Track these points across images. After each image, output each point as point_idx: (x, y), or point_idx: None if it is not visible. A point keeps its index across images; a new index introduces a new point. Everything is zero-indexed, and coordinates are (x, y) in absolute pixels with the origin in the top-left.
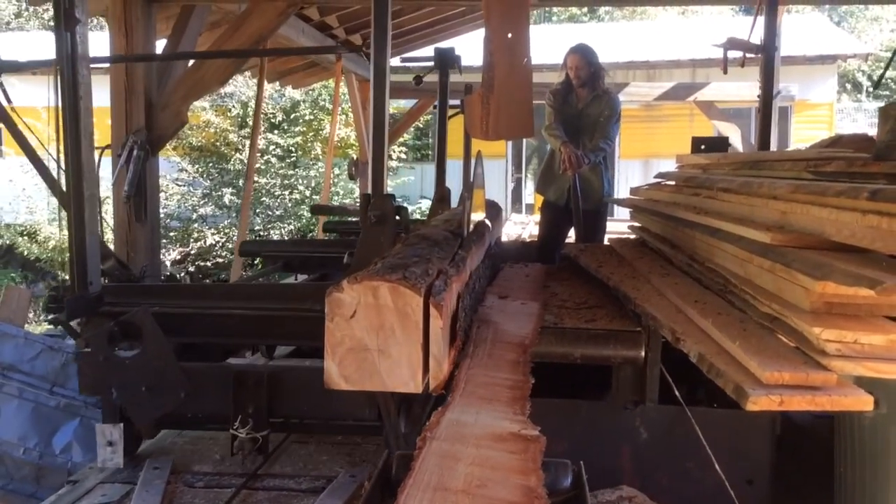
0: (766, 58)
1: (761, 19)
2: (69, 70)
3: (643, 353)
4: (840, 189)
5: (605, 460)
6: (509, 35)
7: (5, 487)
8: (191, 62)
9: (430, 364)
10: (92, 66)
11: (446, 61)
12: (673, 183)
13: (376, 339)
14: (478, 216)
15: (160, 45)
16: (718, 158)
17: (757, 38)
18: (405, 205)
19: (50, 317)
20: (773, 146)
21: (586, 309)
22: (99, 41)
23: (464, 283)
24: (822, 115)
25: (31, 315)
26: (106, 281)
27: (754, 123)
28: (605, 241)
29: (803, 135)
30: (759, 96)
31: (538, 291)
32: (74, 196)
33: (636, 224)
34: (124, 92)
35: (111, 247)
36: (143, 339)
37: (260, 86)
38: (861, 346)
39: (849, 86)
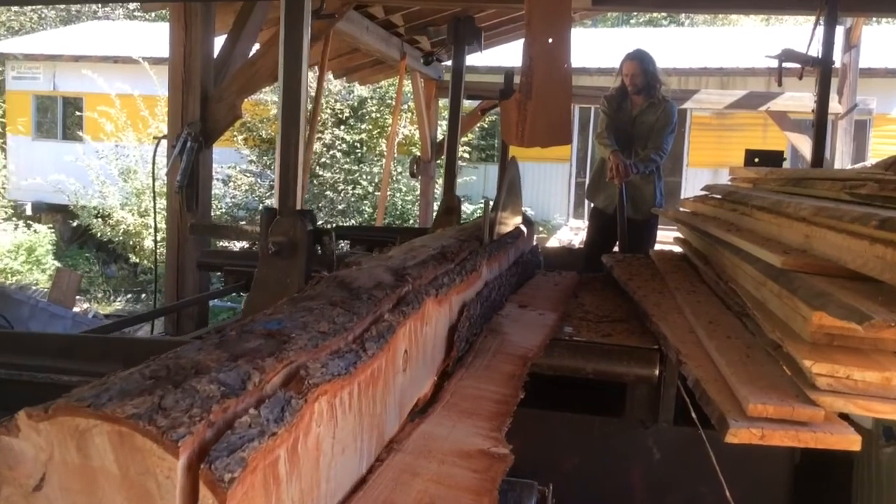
0: (822, 71)
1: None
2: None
3: (657, 372)
4: (855, 215)
5: (617, 478)
6: (550, 40)
7: None
8: (248, 57)
9: None
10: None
11: (462, 35)
12: (719, 196)
13: None
14: (511, 223)
15: (220, 42)
16: (766, 173)
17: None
18: (322, 225)
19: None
20: (847, 162)
21: (608, 323)
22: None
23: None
24: None
25: (101, 296)
26: None
27: (830, 136)
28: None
29: (882, 150)
30: (813, 111)
31: (562, 302)
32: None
33: (680, 236)
34: (182, 85)
35: (162, 236)
36: None
37: (320, 82)
38: (854, 382)
39: None
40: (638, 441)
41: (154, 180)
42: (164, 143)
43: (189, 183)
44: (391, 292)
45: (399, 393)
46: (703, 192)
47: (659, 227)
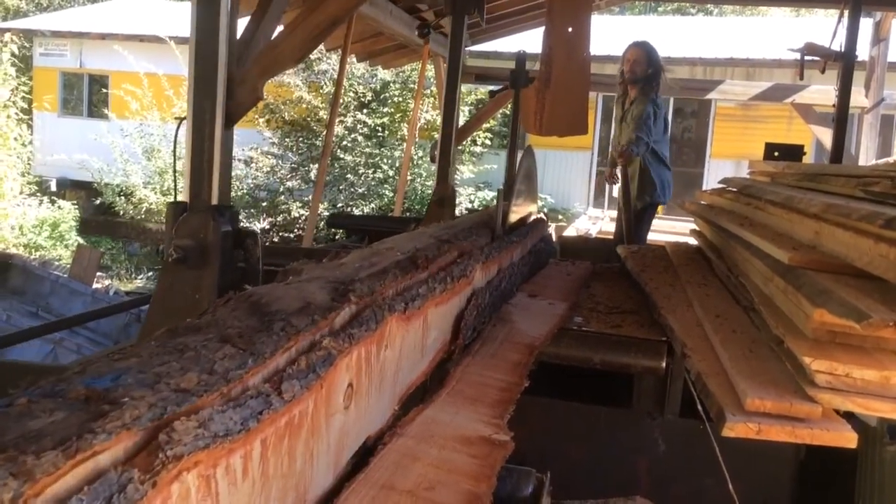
0: (845, 66)
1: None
2: None
3: (664, 364)
4: (863, 213)
5: (622, 469)
6: (569, 30)
7: None
8: (272, 38)
9: None
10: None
11: (462, 3)
12: (735, 190)
13: None
14: (526, 211)
15: (243, 23)
16: (784, 167)
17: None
18: (253, 228)
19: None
20: (872, 157)
21: (618, 314)
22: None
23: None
24: None
25: (123, 272)
26: None
27: (856, 130)
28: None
29: None
30: (834, 105)
31: (573, 291)
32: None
33: (696, 229)
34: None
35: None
36: None
37: (342, 66)
38: (853, 380)
39: None
40: (644, 432)
41: (175, 160)
42: (185, 124)
43: None
44: (321, 318)
45: (336, 436)
46: (721, 185)
47: (675, 217)
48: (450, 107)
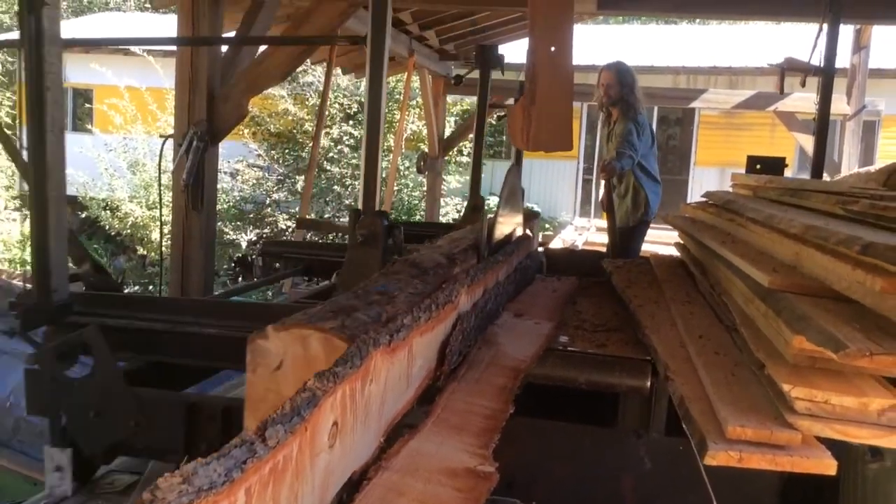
0: (824, 80)
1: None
2: (34, 56)
3: (648, 384)
4: (841, 237)
5: (608, 487)
6: (552, 48)
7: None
8: (257, 54)
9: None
10: (159, 49)
11: (488, 60)
12: (718, 204)
13: None
14: (511, 229)
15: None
16: (766, 182)
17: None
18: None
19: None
20: (855, 164)
21: (603, 332)
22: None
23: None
24: None
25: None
26: (84, 288)
27: (838, 137)
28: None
29: (891, 152)
30: (815, 119)
31: (559, 309)
32: (36, 195)
33: (680, 242)
34: (188, 83)
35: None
36: (94, 359)
37: (327, 78)
38: (832, 406)
39: None
40: (630, 451)
41: (160, 176)
42: (171, 140)
43: (195, 182)
44: (447, 268)
45: (321, 476)
46: (704, 199)
47: (662, 227)
48: (479, 141)
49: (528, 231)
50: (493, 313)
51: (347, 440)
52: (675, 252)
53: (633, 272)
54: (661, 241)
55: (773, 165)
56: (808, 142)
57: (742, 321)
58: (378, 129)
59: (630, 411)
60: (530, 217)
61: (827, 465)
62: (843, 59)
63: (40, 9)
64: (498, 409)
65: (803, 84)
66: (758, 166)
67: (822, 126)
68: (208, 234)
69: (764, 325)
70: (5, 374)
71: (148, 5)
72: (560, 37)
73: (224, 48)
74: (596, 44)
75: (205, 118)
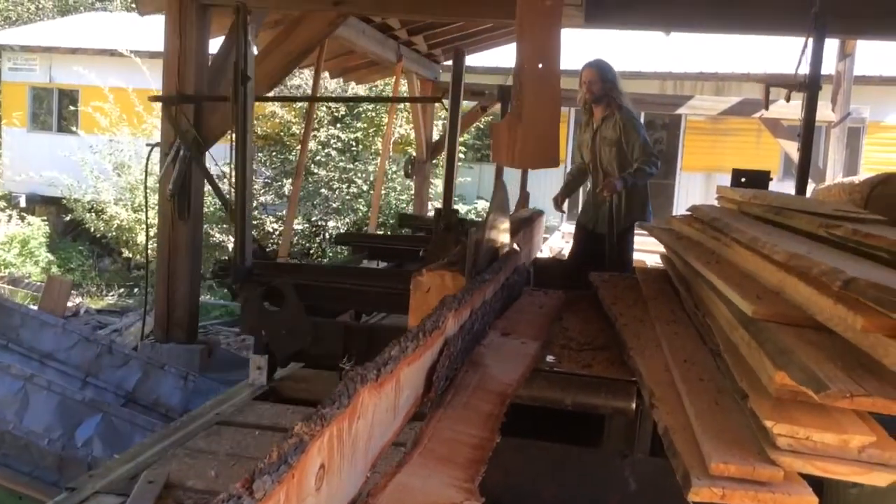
0: (809, 94)
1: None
2: (241, 114)
3: (633, 406)
4: (824, 269)
5: None
6: (540, 65)
7: (31, 474)
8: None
9: None
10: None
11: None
12: (703, 221)
13: None
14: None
15: (214, 45)
16: (750, 197)
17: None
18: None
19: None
20: (840, 170)
21: (589, 350)
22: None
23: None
24: None
25: (94, 290)
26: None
27: (823, 144)
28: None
29: (875, 158)
30: (799, 135)
31: (545, 327)
32: (239, 203)
33: (665, 254)
34: (175, 93)
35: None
36: (284, 300)
37: (315, 83)
38: (814, 443)
39: None
40: (615, 471)
41: (147, 180)
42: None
43: (181, 191)
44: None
45: None
46: (689, 213)
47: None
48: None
49: (515, 245)
50: (480, 333)
51: (334, 480)
52: (660, 261)
53: (619, 287)
54: (644, 248)
55: (758, 179)
56: (793, 148)
57: (726, 348)
58: (454, 156)
59: (615, 432)
60: (535, 216)
61: (808, 503)
62: (829, 67)
63: (247, 82)
64: (485, 438)
65: (788, 99)
66: (742, 179)
67: (807, 138)
68: (195, 243)
69: (747, 353)
70: None
71: (134, 5)
72: (548, 55)
73: (212, 52)
74: (583, 49)
75: (192, 128)
